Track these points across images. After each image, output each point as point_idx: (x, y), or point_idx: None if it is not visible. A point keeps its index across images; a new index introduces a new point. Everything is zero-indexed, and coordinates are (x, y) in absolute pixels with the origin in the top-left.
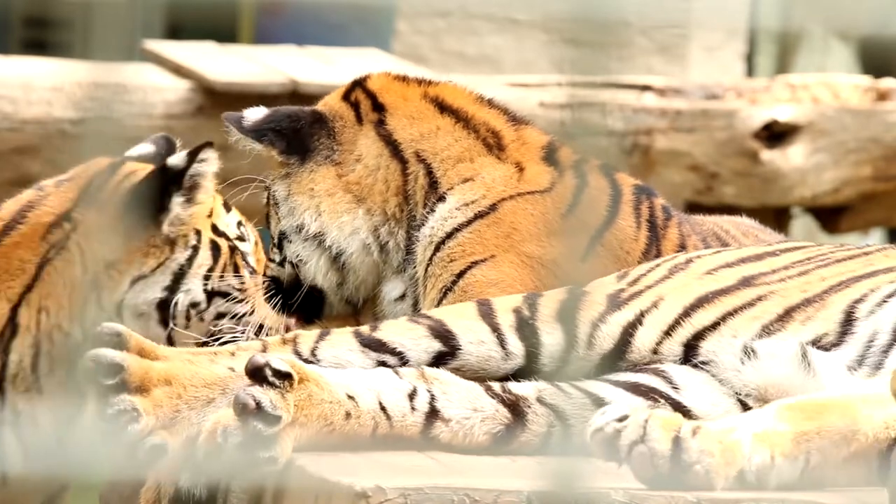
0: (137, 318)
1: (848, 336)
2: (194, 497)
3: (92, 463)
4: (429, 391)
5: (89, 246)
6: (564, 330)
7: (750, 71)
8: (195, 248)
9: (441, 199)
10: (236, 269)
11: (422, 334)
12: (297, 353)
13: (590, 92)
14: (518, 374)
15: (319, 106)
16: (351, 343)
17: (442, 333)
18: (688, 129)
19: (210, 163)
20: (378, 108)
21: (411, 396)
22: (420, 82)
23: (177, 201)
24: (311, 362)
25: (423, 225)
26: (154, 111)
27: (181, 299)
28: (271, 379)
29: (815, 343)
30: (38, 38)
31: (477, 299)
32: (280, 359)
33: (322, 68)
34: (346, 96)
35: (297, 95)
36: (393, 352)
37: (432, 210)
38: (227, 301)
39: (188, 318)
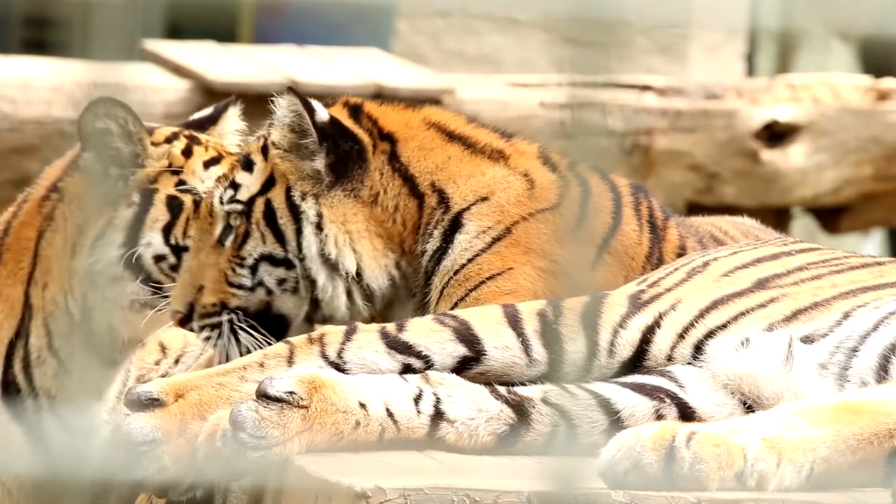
0: (113, 283)
1: (836, 327)
2: (192, 497)
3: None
4: (434, 394)
5: (71, 213)
6: (587, 335)
7: (750, 71)
8: (142, 206)
9: (457, 225)
10: None
11: (447, 338)
12: (324, 356)
13: (590, 92)
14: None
15: (355, 130)
16: (377, 344)
17: (467, 337)
18: (688, 129)
19: (105, 121)
20: (385, 137)
21: (416, 400)
22: (403, 106)
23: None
24: (336, 364)
25: (443, 257)
26: (154, 111)
27: (142, 251)
28: (276, 395)
29: (808, 338)
30: (38, 38)
31: (502, 303)
32: (289, 377)
33: (322, 68)
34: (358, 120)
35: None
36: (419, 355)
37: (450, 240)
38: None
39: (162, 273)
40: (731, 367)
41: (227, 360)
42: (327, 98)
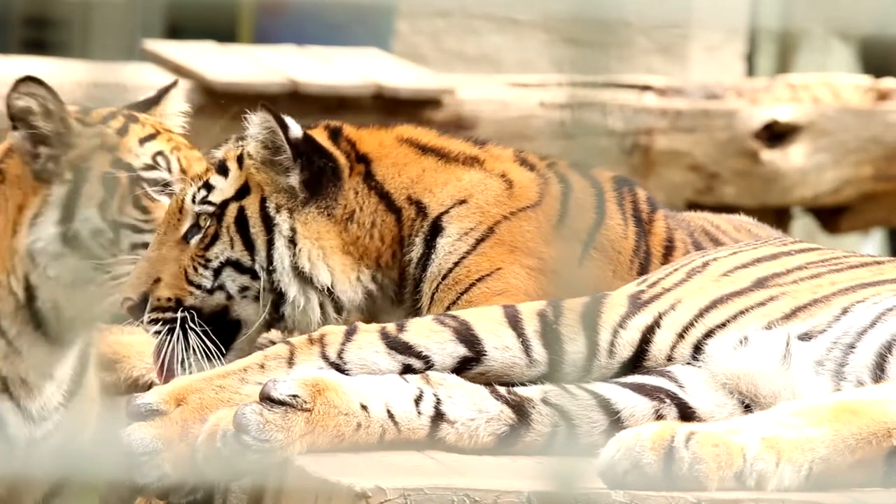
0: (53, 260)
1: (834, 323)
2: (193, 499)
3: (94, 468)
4: (434, 395)
5: (11, 193)
6: (587, 335)
7: (750, 71)
8: (76, 183)
9: (438, 230)
10: (139, 202)
11: (448, 338)
12: (324, 357)
13: (590, 92)
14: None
15: (332, 150)
16: (377, 345)
17: (468, 338)
18: (688, 129)
19: (26, 100)
20: (361, 158)
21: (417, 401)
22: (378, 127)
23: (44, 150)
24: (337, 365)
25: (428, 263)
26: None
27: (79, 227)
28: (280, 398)
29: (805, 335)
30: (38, 38)
31: (500, 303)
32: (292, 380)
33: (322, 68)
34: (337, 142)
35: (296, 95)
36: (419, 356)
37: (432, 245)
38: (136, 234)
39: (102, 248)
40: (730, 366)
41: (171, 356)
42: (309, 121)
